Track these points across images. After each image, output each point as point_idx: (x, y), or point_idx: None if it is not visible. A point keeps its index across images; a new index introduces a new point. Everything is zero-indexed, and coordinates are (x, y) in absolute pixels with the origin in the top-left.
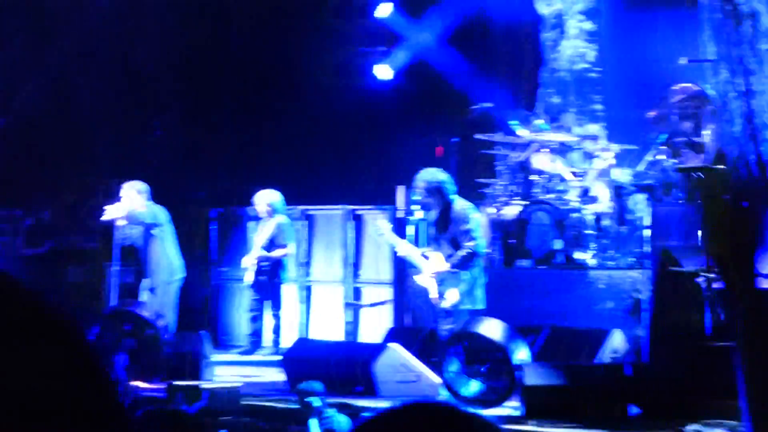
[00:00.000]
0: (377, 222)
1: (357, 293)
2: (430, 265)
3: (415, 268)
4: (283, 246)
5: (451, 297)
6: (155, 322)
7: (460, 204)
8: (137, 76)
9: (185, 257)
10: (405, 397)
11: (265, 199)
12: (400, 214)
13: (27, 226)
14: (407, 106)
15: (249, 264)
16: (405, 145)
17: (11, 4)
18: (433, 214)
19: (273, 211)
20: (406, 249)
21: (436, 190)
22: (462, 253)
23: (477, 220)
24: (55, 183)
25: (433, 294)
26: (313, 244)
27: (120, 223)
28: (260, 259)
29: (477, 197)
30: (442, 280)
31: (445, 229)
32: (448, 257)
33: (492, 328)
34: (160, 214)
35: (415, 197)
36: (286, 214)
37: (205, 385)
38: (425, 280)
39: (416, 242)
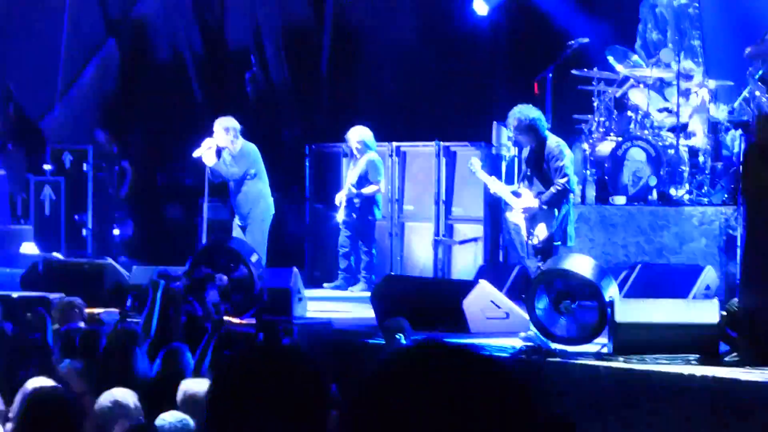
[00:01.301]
0: (470, 160)
1: (449, 230)
2: (522, 202)
3: (508, 205)
4: (375, 183)
5: (541, 234)
6: (248, 258)
7: (553, 140)
8: (233, 12)
9: (280, 193)
10: (495, 334)
11: (357, 135)
12: (495, 151)
13: (124, 165)
14: (503, 41)
15: (341, 201)
16: (501, 81)
17: None
18: (526, 151)
19: (364, 148)
20: (497, 187)
21: (528, 128)
22: (553, 189)
23: (570, 156)
24: (152, 120)
25: (524, 232)
26: (405, 180)
27: (209, 160)
28: (352, 196)
29: (573, 133)
30: (534, 216)
31: (538, 166)
32: (540, 194)
33: (582, 265)
34: (252, 151)
35: (509, 134)
36: (376, 150)
37: (297, 321)
38: (516, 217)
39: (510, 179)
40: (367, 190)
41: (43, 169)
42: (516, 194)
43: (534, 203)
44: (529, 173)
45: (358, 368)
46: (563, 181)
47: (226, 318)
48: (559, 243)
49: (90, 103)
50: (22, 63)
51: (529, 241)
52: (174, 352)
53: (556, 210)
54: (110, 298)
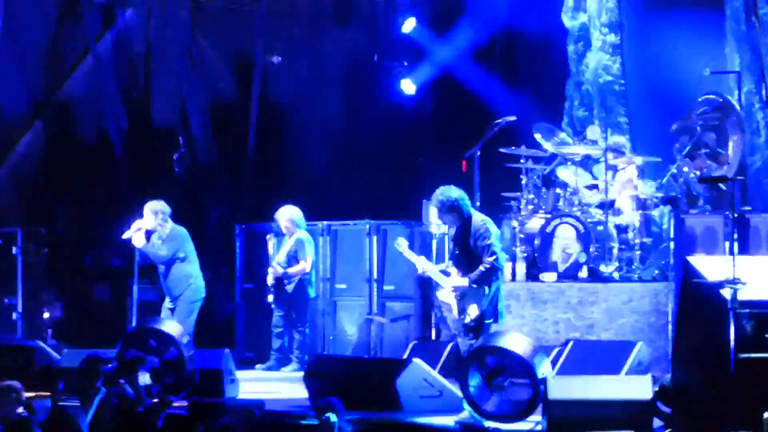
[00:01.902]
0: (397, 241)
1: (381, 308)
2: (451, 281)
3: (438, 284)
4: (303, 261)
5: (473, 312)
6: (178, 340)
7: (478, 218)
8: (159, 91)
9: (210, 273)
10: (428, 412)
11: (286, 215)
12: (425, 229)
13: (52, 245)
14: (431, 119)
15: (271, 281)
16: (429, 159)
17: None
18: (453, 230)
19: (293, 227)
20: (426, 266)
21: (451, 208)
22: (482, 268)
23: (496, 233)
24: (79, 201)
25: (455, 311)
26: (337, 259)
27: (138, 242)
28: (280, 276)
29: (502, 210)
30: (464, 295)
31: (465, 245)
32: (467, 273)
33: (514, 342)
34: (180, 234)
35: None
36: (306, 229)
37: (228, 401)
38: (447, 296)
39: (441, 257)
40: (294, 269)
41: None
42: (445, 273)
43: (463, 282)
44: (456, 252)
45: None
46: (491, 259)
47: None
48: (491, 321)
49: (17, 185)
50: None
51: (461, 320)
52: None
53: (486, 288)
54: (41, 382)
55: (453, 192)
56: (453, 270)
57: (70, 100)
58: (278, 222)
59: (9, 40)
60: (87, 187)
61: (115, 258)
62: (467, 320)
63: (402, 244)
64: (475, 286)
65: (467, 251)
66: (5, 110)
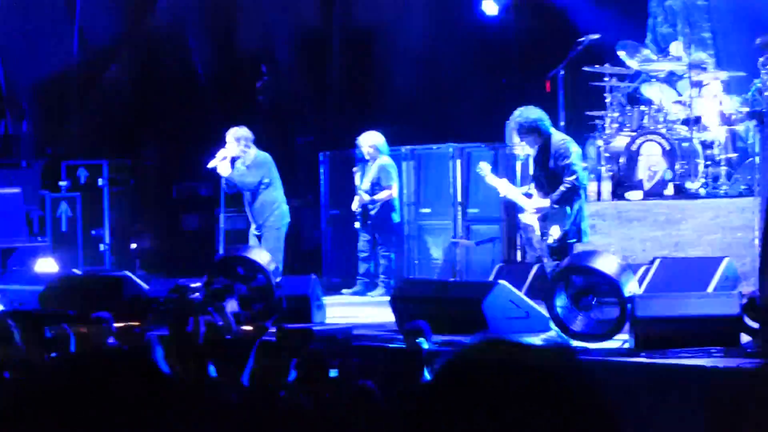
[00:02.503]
0: (479, 165)
1: (466, 231)
2: (533, 203)
3: (520, 206)
4: (387, 187)
5: (555, 233)
6: (266, 267)
7: (558, 138)
8: (243, 19)
9: (296, 201)
10: (516, 333)
11: (368, 141)
12: (509, 151)
13: (138, 176)
14: (514, 40)
15: (357, 207)
16: (513, 80)
17: None
18: (534, 152)
19: (376, 153)
20: (507, 189)
21: (530, 129)
22: (562, 188)
23: (576, 152)
24: (165, 132)
25: (538, 232)
26: (421, 183)
27: (224, 171)
28: (366, 203)
29: (586, 129)
30: (546, 216)
31: (546, 165)
32: (550, 194)
33: (601, 261)
34: (265, 160)
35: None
36: (389, 154)
37: (316, 327)
38: (529, 218)
39: (526, 179)
40: (380, 195)
41: (59, 185)
42: (527, 195)
43: (545, 203)
44: (537, 173)
45: (380, 372)
46: (572, 178)
47: (246, 328)
48: (574, 240)
49: (103, 117)
50: (35, 81)
51: (544, 241)
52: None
53: (568, 208)
54: (130, 312)
55: (532, 112)
56: (535, 192)
57: (155, 32)
58: (361, 148)
59: None
60: (173, 118)
61: (201, 187)
62: (550, 241)
63: (484, 168)
64: (556, 206)
65: (548, 172)
66: (91, 43)
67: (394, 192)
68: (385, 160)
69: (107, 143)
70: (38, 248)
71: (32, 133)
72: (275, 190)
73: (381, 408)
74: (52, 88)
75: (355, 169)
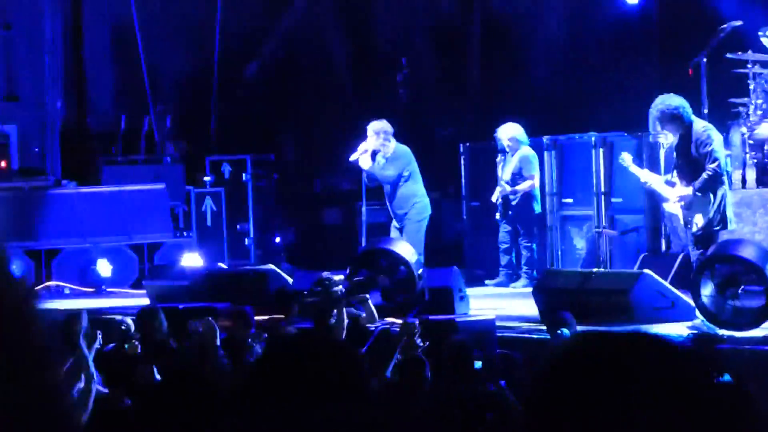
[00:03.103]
0: (621, 155)
1: (610, 221)
2: (676, 192)
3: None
4: (529, 178)
5: (699, 221)
6: (408, 259)
7: (699, 125)
8: (382, 13)
9: (437, 193)
10: (662, 322)
11: (506, 132)
12: (652, 139)
13: (281, 171)
14: (655, 28)
15: (497, 198)
16: (655, 68)
17: None
18: (676, 140)
19: (516, 144)
20: (650, 178)
21: (672, 117)
22: (705, 175)
23: (718, 139)
24: (306, 126)
25: (682, 220)
26: (563, 173)
27: (365, 164)
28: (507, 194)
29: (730, 117)
30: (689, 204)
31: (688, 153)
32: (691, 182)
33: (747, 249)
34: (405, 153)
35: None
36: (529, 144)
37: (459, 318)
38: (673, 207)
39: (669, 167)
40: (522, 186)
41: (203, 180)
42: (670, 184)
43: (688, 191)
44: (679, 161)
45: (524, 364)
46: (714, 165)
47: (390, 319)
48: (719, 228)
49: (246, 112)
50: (179, 77)
51: (688, 230)
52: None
53: (711, 195)
54: (276, 304)
55: (674, 100)
56: (677, 180)
57: (294, 28)
58: (500, 140)
59: None
60: (314, 113)
61: (343, 181)
62: (694, 229)
63: (626, 158)
64: (699, 194)
65: (690, 160)
66: (231, 39)
67: (536, 182)
68: (526, 150)
69: (249, 139)
70: (184, 243)
71: (176, 129)
72: (415, 183)
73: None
74: (194, 84)
75: (498, 159)
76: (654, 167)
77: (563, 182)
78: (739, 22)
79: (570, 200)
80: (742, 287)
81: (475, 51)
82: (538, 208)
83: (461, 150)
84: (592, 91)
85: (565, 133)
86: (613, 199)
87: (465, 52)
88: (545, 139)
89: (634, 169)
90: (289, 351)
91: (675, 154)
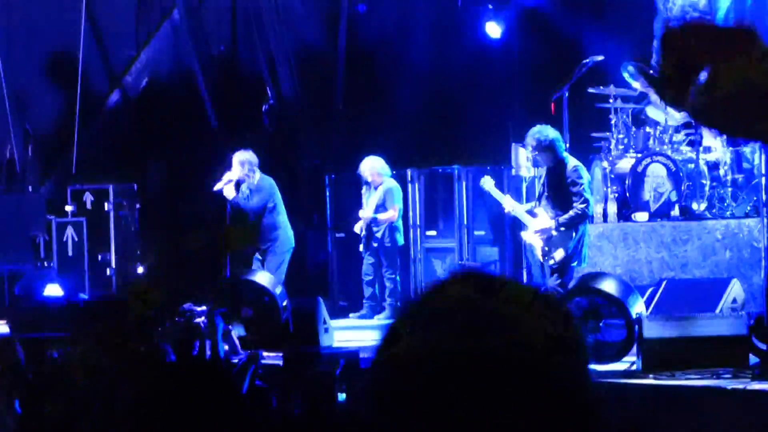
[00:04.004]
0: (483, 179)
1: (473, 253)
2: (537, 223)
3: (523, 225)
4: (391, 209)
5: (558, 255)
6: (271, 290)
7: (571, 163)
8: (245, 44)
9: (302, 223)
10: None
11: (368, 167)
12: (514, 172)
13: (144, 199)
14: (518, 62)
15: (361, 229)
16: (517, 102)
17: None
18: (542, 171)
19: (379, 177)
20: (512, 205)
21: (546, 147)
22: (572, 213)
23: (587, 179)
24: (170, 155)
25: (538, 252)
26: (426, 205)
27: (229, 193)
28: (371, 224)
29: (591, 151)
30: (549, 237)
31: (555, 187)
32: (556, 215)
33: (607, 283)
34: (269, 184)
35: (528, 155)
36: (392, 177)
37: (323, 350)
38: (531, 237)
39: (531, 200)
40: (383, 216)
41: (65, 210)
42: (531, 213)
43: (550, 224)
44: (545, 193)
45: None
46: (583, 206)
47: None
48: (576, 263)
49: (107, 141)
50: (40, 105)
51: (545, 262)
52: None
53: (573, 231)
54: (135, 334)
55: (550, 132)
56: (540, 211)
57: (156, 57)
58: (363, 174)
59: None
60: (177, 141)
61: (207, 210)
62: (551, 262)
63: (487, 182)
64: (562, 229)
65: (557, 194)
66: (91, 76)
67: (395, 214)
68: (390, 183)
69: (112, 168)
70: (45, 273)
71: (37, 159)
72: (279, 214)
73: None
74: (57, 112)
75: (363, 191)
76: (516, 200)
77: (426, 214)
78: (600, 57)
79: (434, 232)
80: (603, 320)
81: (340, 81)
82: (401, 240)
83: (326, 181)
84: (456, 124)
85: (428, 165)
86: (475, 232)
87: (330, 82)
88: (410, 171)
89: (495, 193)
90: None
91: (541, 185)
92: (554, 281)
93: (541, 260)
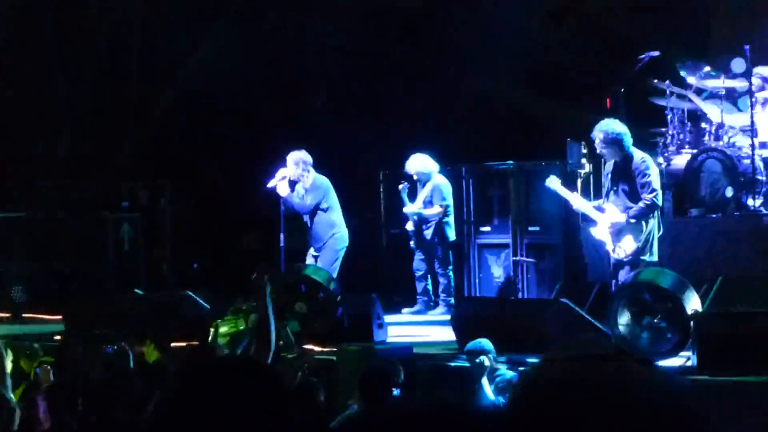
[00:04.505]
0: (549, 178)
1: (527, 250)
2: (607, 217)
3: (590, 221)
4: (439, 205)
5: (629, 248)
6: (326, 285)
7: (638, 156)
8: (301, 47)
9: (355, 220)
10: (577, 351)
11: (413, 166)
12: (569, 168)
13: (200, 196)
14: (574, 57)
15: (411, 226)
16: (573, 98)
17: None
18: (609, 165)
19: (425, 174)
20: (580, 202)
21: (614, 141)
22: (642, 204)
23: (656, 171)
24: (225, 152)
25: (609, 246)
26: (481, 201)
27: (282, 191)
28: (420, 220)
29: (647, 147)
30: (619, 231)
31: (623, 181)
32: (625, 209)
33: (663, 278)
34: (323, 184)
35: (583, 150)
36: (445, 173)
37: (377, 345)
38: (601, 232)
39: (586, 196)
40: (428, 211)
41: (121, 205)
42: (599, 209)
43: (621, 218)
44: (613, 187)
45: (441, 391)
46: (651, 196)
47: (307, 346)
48: (645, 257)
49: (165, 138)
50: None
51: (614, 256)
52: None
53: (643, 223)
54: (191, 331)
55: (618, 126)
56: (608, 206)
57: (212, 55)
58: (409, 171)
59: None
60: (233, 138)
61: (262, 208)
62: (621, 256)
63: (554, 181)
64: (633, 221)
65: (625, 187)
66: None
67: (438, 210)
68: (439, 179)
69: (168, 164)
70: None
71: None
72: (334, 213)
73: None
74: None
75: (400, 187)
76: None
77: (481, 210)
78: (657, 53)
79: (488, 228)
80: (659, 316)
81: (392, 76)
82: (452, 236)
83: (380, 177)
84: (511, 119)
85: (483, 161)
86: (529, 228)
87: (386, 78)
88: (464, 167)
89: (563, 191)
90: (218, 376)
91: (609, 179)
92: (626, 274)
93: (613, 255)
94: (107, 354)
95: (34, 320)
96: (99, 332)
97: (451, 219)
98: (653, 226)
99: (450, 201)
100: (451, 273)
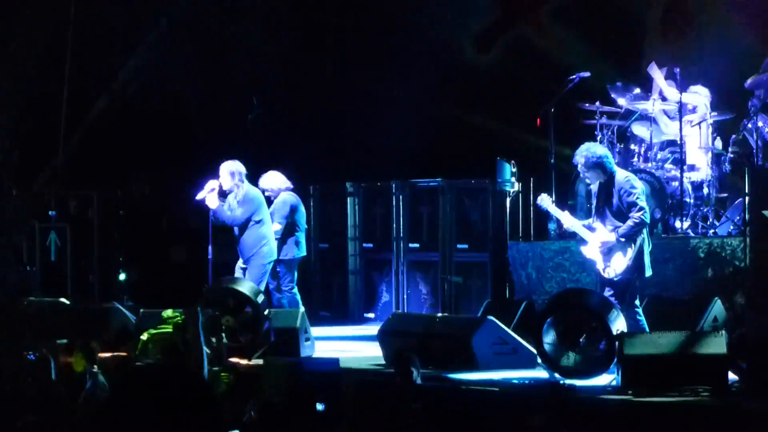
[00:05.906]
0: (540, 196)
1: (456, 267)
2: (598, 237)
3: (581, 240)
4: (278, 222)
5: (619, 267)
6: (254, 300)
7: (622, 175)
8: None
9: None
10: (503, 369)
11: (266, 180)
12: (498, 187)
13: (128, 208)
14: (504, 77)
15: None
16: (503, 117)
17: None
18: (595, 187)
19: (275, 190)
20: (570, 221)
21: (596, 165)
22: (630, 222)
23: (641, 188)
24: (154, 164)
25: (600, 266)
26: (410, 218)
27: (212, 203)
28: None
29: (576, 167)
30: (609, 250)
31: (610, 201)
32: (614, 228)
33: (588, 299)
34: (256, 196)
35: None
36: (374, 189)
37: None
38: (592, 251)
39: (516, 215)
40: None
41: (49, 214)
42: (590, 228)
43: (610, 237)
44: (599, 208)
45: (368, 405)
46: (639, 214)
47: (233, 360)
48: (636, 275)
49: (93, 150)
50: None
51: (604, 275)
52: None
53: (632, 242)
54: (117, 342)
55: (598, 149)
56: (598, 225)
57: (143, 66)
58: (262, 187)
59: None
60: (163, 150)
61: (191, 220)
62: (612, 274)
63: (545, 199)
64: (623, 240)
65: (612, 206)
66: (75, 83)
67: (281, 227)
68: (284, 196)
69: (96, 175)
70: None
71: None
72: (264, 226)
73: None
74: (41, 119)
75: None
76: (499, 213)
77: (410, 227)
78: (587, 74)
79: (417, 245)
80: (585, 336)
81: (326, 92)
82: (296, 253)
83: (311, 191)
84: (441, 139)
85: (412, 177)
86: (458, 245)
87: (314, 91)
88: (393, 183)
89: (554, 210)
90: (150, 383)
91: (595, 200)
92: (609, 293)
93: (603, 274)
94: (30, 361)
95: None
96: (23, 341)
97: (300, 236)
98: (642, 243)
99: (295, 219)
100: (295, 291)
